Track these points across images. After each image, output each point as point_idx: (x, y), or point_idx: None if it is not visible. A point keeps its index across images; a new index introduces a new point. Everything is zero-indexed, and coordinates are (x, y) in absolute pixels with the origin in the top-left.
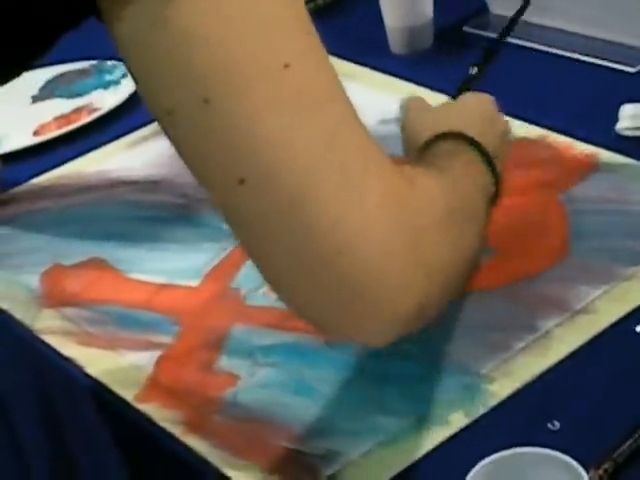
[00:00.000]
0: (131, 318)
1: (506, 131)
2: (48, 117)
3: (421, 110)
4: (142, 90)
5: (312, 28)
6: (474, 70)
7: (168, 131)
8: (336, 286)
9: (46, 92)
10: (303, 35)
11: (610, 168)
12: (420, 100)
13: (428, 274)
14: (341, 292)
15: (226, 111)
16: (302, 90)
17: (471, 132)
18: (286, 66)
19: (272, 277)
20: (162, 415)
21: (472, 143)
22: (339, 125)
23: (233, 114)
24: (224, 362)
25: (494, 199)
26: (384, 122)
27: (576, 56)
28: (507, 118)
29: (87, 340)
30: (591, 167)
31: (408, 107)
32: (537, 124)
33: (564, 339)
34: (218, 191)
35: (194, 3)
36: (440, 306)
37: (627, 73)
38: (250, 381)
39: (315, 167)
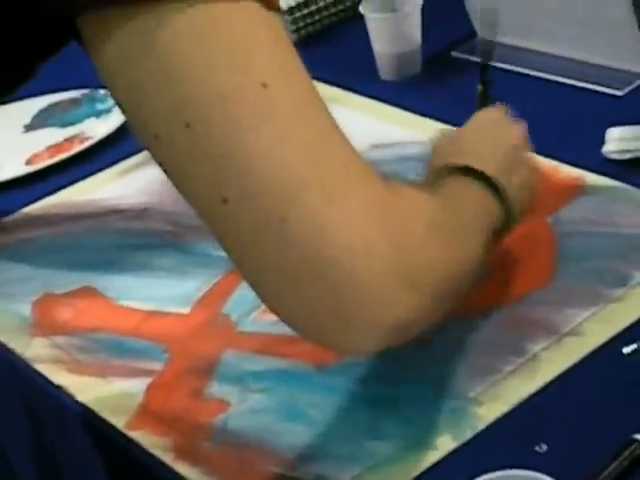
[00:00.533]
0: (121, 345)
1: (517, 138)
2: (41, 146)
3: (445, 138)
4: (128, 116)
5: (287, 40)
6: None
7: (156, 155)
8: (321, 296)
9: (39, 121)
10: (279, 51)
11: (596, 191)
12: (449, 131)
13: (414, 282)
14: (326, 302)
15: (206, 134)
16: (280, 108)
17: (477, 160)
18: (264, 85)
19: (260, 289)
20: (153, 442)
21: (474, 174)
22: (319, 137)
23: (213, 137)
24: (214, 388)
25: (502, 231)
26: (374, 147)
27: (562, 79)
28: (520, 127)
29: (77, 368)
30: (578, 190)
31: (440, 135)
32: None
33: (552, 362)
34: (204, 210)
35: (173, 32)
36: (432, 318)
37: (613, 96)
38: (241, 407)
39: (296, 181)
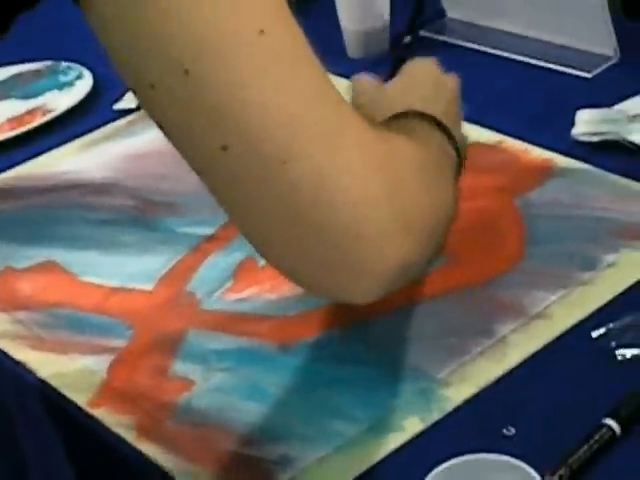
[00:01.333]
0: (83, 321)
1: (455, 90)
2: (1, 118)
3: (372, 89)
4: (123, 69)
5: None
6: (407, 39)
7: (151, 106)
8: (321, 241)
9: (0, 93)
10: (276, 1)
11: (566, 173)
12: (369, 80)
13: (410, 224)
14: (325, 247)
15: (205, 80)
16: (278, 54)
17: (424, 105)
18: (260, 32)
19: (257, 240)
20: (115, 420)
21: (429, 119)
22: (315, 85)
23: (212, 82)
24: (178, 367)
25: (458, 171)
26: None
27: (532, 61)
28: (453, 76)
29: (39, 344)
30: (547, 172)
31: (358, 87)
32: (493, 129)
33: (520, 344)
34: (201, 160)
35: None
36: (422, 262)
37: (583, 78)
38: (204, 386)
39: (295, 126)
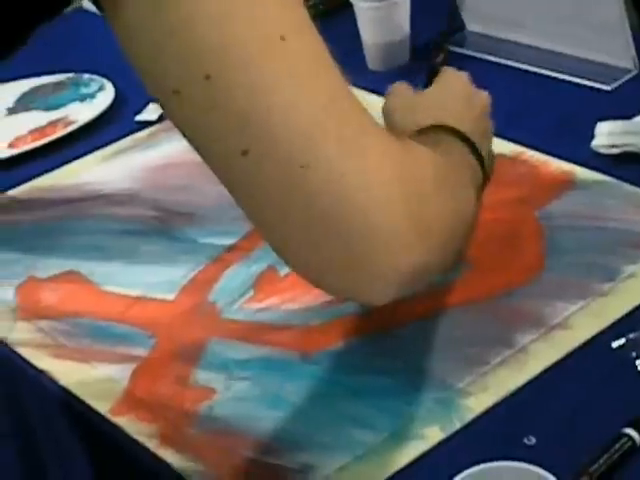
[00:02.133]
0: (106, 331)
1: (486, 106)
2: (24, 130)
3: (408, 94)
4: (147, 75)
5: (301, 2)
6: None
7: (173, 112)
8: (337, 244)
9: (22, 104)
10: (296, 8)
11: (586, 185)
12: (406, 86)
13: (427, 230)
14: (342, 250)
15: (227, 85)
16: (299, 60)
17: (454, 118)
18: (282, 38)
19: (276, 242)
20: (137, 428)
21: (457, 133)
22: (335, 92)
23: (234, 87)
24: (200, 375)
25: (482, 185)
26: None
27: (552, 74)
28: (485, 93)
29: (61, 353)
30: (567, 184)
31: (395, 90)
32: (513, 141)
33: (540, 354)
34: (221, 164)
35: None
36: (437, 268)
37: (603, 91)
38: (226, 394)
39: (316, 131)
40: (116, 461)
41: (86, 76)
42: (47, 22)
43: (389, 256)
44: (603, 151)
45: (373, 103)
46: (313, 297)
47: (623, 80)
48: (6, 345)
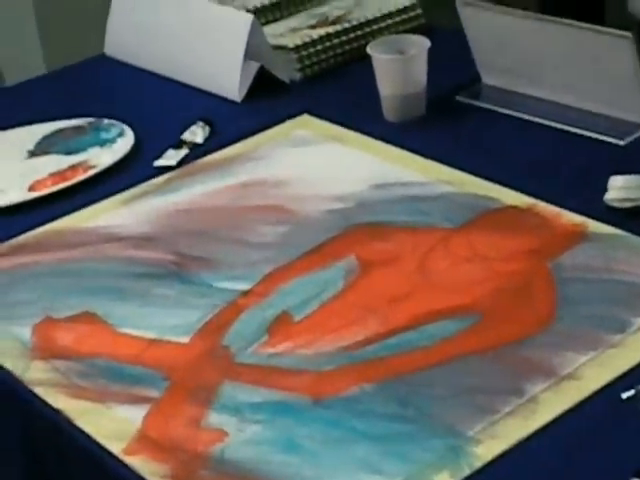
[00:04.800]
0: (121, 372)
1: None
2: (44, 173)
3: None
4: None
5: None
6: None
7: None
8: None
9: (42, 148)
10: None
11: (598, 238)
12: None
13: None
14: None
15: None
16: None
17: None
18: None
19: None
20: (150, 469)
21: None
22: None
23: None
24: (212, 418)
25: None
26: (377, 187)
27: (566, 127)
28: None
29: (76, 392)
30: (579, 236)
31: None
32: (527, 193)
33: (550, 404)
34: None
35: None
36: None
37: (616, 145)
38: (238, 438)
39: None
40: None
41: (106, 121)
42: None
43: None
44: (616, 205)
45: (387, 152)
46: (326, 343)
47: (636, 135)
48: (22, 384)
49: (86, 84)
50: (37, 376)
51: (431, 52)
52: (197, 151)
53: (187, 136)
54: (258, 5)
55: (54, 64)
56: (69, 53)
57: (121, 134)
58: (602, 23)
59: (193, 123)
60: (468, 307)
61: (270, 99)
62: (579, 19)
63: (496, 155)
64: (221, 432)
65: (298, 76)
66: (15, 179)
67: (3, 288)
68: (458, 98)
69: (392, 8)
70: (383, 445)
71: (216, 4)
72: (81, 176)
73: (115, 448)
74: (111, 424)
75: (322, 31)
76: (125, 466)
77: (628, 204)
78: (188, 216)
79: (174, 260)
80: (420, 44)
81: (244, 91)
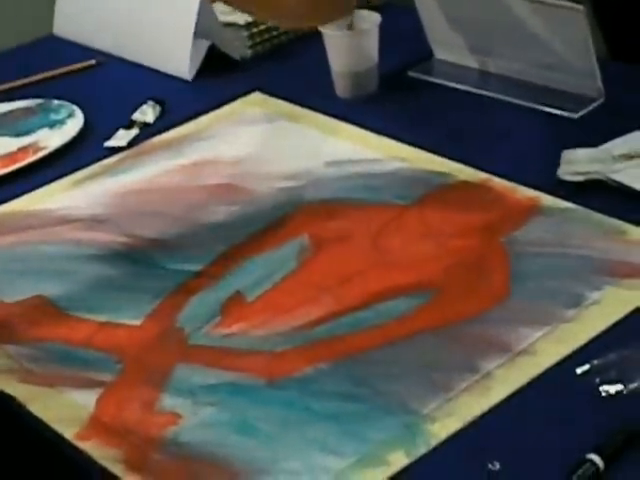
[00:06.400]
0: (72, 356)
1: None
2: None
3: None
4: None
5: None
6: None
7: None
8: None
9: None
10: None
11: (551, 212)
12: None
13: None
14: None
15: None
16: None
17: None
18: None
19: None
20: (102, 453)
21: None
22: None
23: None
24: (166, 401)
25: None
26: (329, 164)
27: (519, 102)
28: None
29: (28, 377)
30: (533, 211)
31: None
32: (480, 168)
33: (505, 380)
34: None
35: None
36: None
37: (569, 119)
38: (192, 420)
39: None
40: None
41: (56, 102)
42: None
43: None
44: (568, 178)
45: (340, 129)
46: (280, 323)
47: (589, 108)
48: None
49: (35, 64)
50: None
51: (382, 28)
52: (148, 131)
53: (137, 116)
54: None
55: (3, 44)
56: (18, 32)
57: (71, 115)
58: None
59: (143, 103)
60: (422, 284)
61: (221, 77)
62: None
63: (449, 131)
64: (175, 415)
65: (249, 53)
66: None
67: None
68: (410, 74)
69: None
70: (338, 425)
71: None
72: (31, 158)
73: (67, 432)
74: (63, 409)
75: None
76: (77, 450)
77: (581, 177)
78: (140, 197)
79: (126, 242)
80: (371, 19)
81: (194, 69)
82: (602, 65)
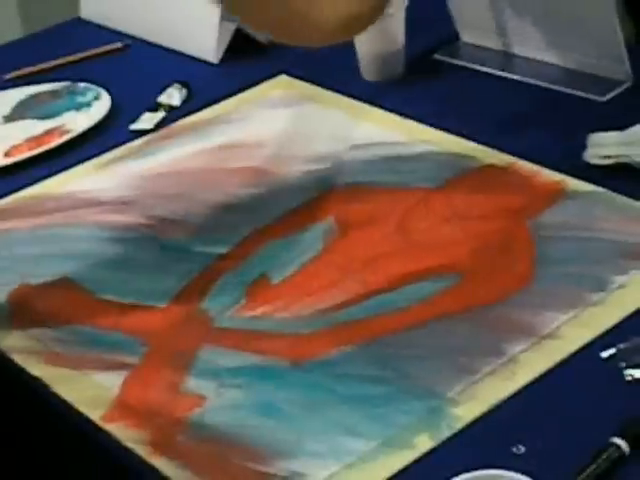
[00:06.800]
0: (98, 338)
1: None
2: (19, 138)
3: None
4: None
5: None
6: None
7: None
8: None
9: (18, 113)
10: None
11: (577, 195)
12: None
13: None
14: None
15: None
16: None
17: None
18: None
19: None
20: (128, 435)
21: None
22: None
23: None
24: (191, 383)
25: None
26: (355, 147)
27: (546, 84)
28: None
29: (54, 359)
30: (558, 194)
31: None
32: (505, 151)
33: (530, 364)
34: None
35: None
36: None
37: (596, 102)
38: (217, 402)
39: None
40: (106, 468)
41: (82, 85)
42: None
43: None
44: (595, 162)
45: (364, 112)
46: (305, 305)
47: (617, 92)
48: (0, 351)
49: (62, 48)
50: (14, 343)
51: (409, 11)
52: (174, 114)
53: (164, 99)
54: None
55: (30, 29)
56: (45, 17)
57: (97, 98)
58: None
59: (170, 86)
60: (447, 267)
61: (247, 60)
62: None
63: (475, 114)
64: (200, 397)
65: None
66: None
67: None
68: (436, 56)
69: None
70: (362, 408)
71: None
72: (57, 141)
73: (93, 415)
74: (89, 391)
75: None
76: (103, 432)
77: (608, 161)
78: (165, 180)
79: (151, 224)
80: (398, 3)
81: (221, 52)
82: (630, 49)
